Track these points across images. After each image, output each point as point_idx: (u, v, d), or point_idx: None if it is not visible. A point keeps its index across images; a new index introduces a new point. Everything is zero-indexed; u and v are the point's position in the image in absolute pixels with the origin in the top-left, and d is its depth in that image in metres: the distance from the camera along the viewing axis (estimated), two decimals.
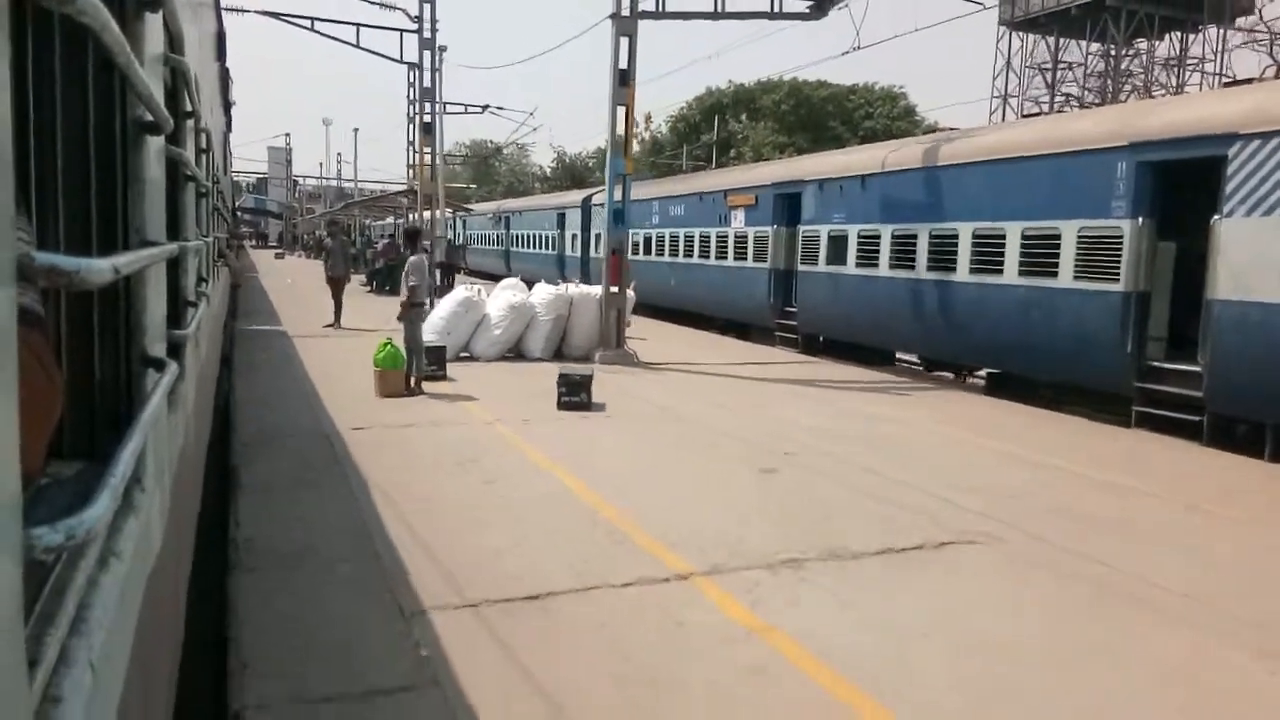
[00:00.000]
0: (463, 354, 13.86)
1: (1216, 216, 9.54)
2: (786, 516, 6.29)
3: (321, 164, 76.94)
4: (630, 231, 26.34)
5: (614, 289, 14.58)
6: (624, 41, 14.36)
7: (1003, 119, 43.03)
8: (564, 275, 32.12)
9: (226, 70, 13.14)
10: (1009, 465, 8.21)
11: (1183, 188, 10.37)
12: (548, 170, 74.68)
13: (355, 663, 3.86)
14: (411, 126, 25.08)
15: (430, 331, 12.78)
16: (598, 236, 28.64)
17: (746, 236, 19.60)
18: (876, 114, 53.40)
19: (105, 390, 1.86)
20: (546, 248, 33.85)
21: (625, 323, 14.87)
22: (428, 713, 3.48)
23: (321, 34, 23.11)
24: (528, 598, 4.64)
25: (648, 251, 24.73)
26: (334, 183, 66.01)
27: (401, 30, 23.58)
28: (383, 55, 25.34)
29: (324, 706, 3.51)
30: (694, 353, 16.10)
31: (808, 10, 15.76)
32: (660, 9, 15.02)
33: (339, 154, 55.65)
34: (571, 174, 68.68)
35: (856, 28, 17.36)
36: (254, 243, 70.25)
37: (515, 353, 14.37)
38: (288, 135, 75.45)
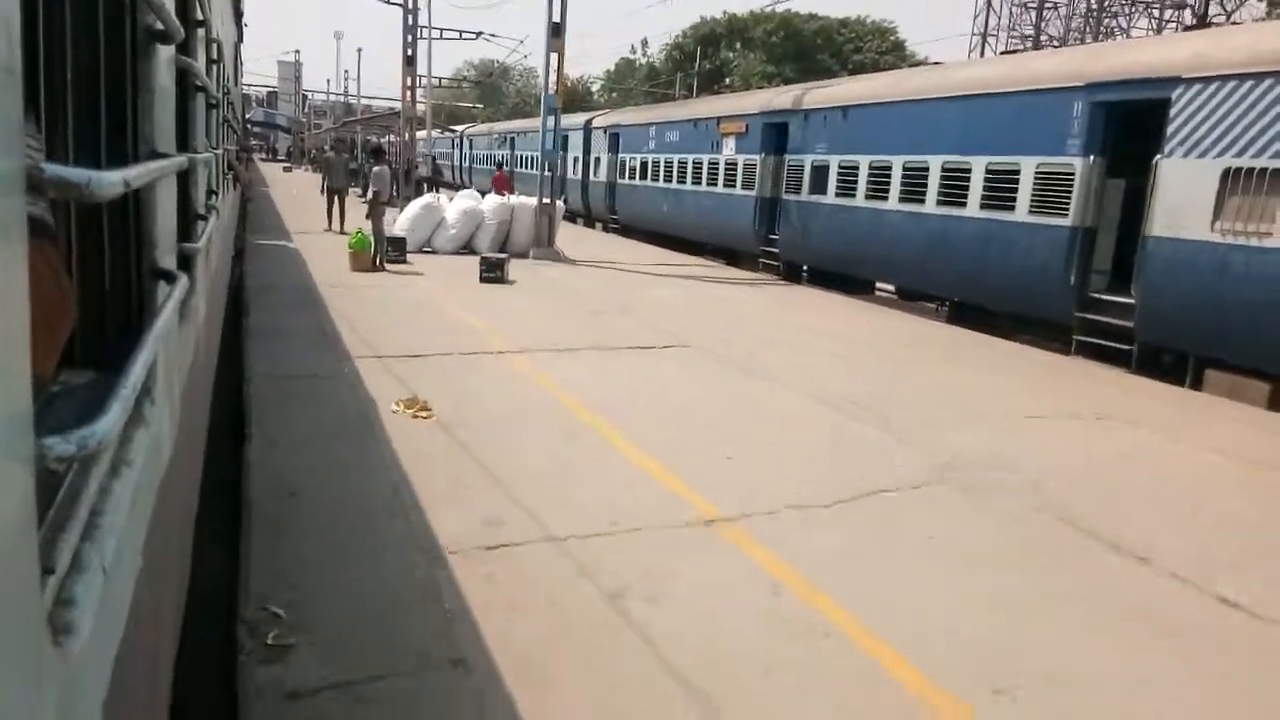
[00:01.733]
0: (425, 248, 17.28)
1: (1158, 157, 10.01)
2: (585, 335, 10.11)
3: (329, 81, 76.33)
4: (626, 157, 26.67)
5: (546, 200, 18.22)
6: (557, 1, 17.56)
7: (981, 56, 42.61)
8: (564, 200, 32.48)
9: None
10: (773, 320, 12.23)
11: (1133, 129, 10.78)
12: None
13: (313, 371, 7.58)
14: (414, 40, 25.75)
15: (400, 228, 16.80)
16: (597, 160, 28.90)
17: (736, 164, 19.95)
18: (866, 48, 53.21)
19: (116, 301, 1.88)
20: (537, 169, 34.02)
21: (556, 227, 18.35)
22: (345, 384, 7.28)
23: None
24: (412, 355, 8.44)
25: (643, 177, 25.05)
26: (342, 99, 65.70)
27: None
28: None
29: (292, 380, 7.22)
30: (623, 256, 19.23)
31: None
32: None
33: (346, 71, 55.45)
34: (572, 97, 69.04)
35: None
36: (264, 156, 70.19)
37: (468, 249, 17.52)
38: (297, 52, 75.18)
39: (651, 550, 4.46)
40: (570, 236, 21.27)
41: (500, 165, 33.90)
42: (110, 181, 1.06)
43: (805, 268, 18.01)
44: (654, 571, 4.20)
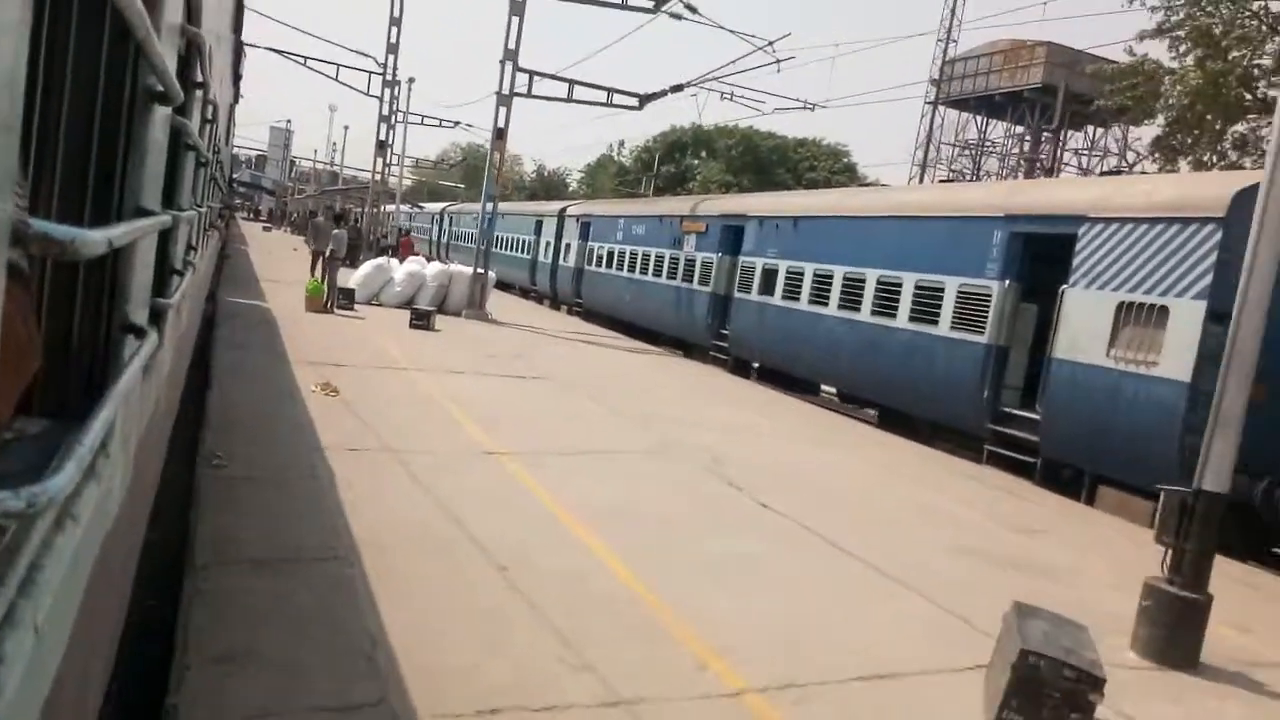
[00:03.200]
0: (374, 301, 19.79)
1: (1064, 286, 10.79)
2: (474, 365, 13.22)
3: (316, 151, 78.03)
4: (595, 245, 27.51)
5: (479, 270, 21.19)
6: (503, 110, 20.89)
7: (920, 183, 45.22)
8: (534, 281, 33.20)
9: (241, 43, 14.13)
10: (638, 374, 15.76)
11: (1045, 259, 11.62)
12: (527, 180, 78.03)
13: (260, 365, 10.37)
14: (389, 133, 29.85)
15: (353, 281, 19.51)
16: (567, 246, 29.76)
17: (695, 260, 20.79)
18: (820, 167, 56.48)
19: (83, 351, 1.84)
20: (522, 251, 34.87)
21: (486, 293, 21.23)
22: (283, 374, 10.01)
23: (312, 69, 30.02)
24: (336, 365, 11.08)
25: (609, 265, 25.85)
26: (328, 167, 67.08)
27: (370, 72, 30.49)
28: (356, 89, 31.87)
29: (245, 369, 9.95)
30: (549, 324, 22.52)
31: (636, 103, 22.99)
32: (529, 92, 21.91)
33: (334, 143, 57.16)
34: (548, 187, 72.12)
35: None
36: (246, 215, 70.89)
37: (411, 305, 19.35)
38: (289, 121, 77.28)
39: (446, 462, 7.37)
40: (519, 309, 24.81)
41: (405, 232, 35.57)
42: (93, 240, 1.04)
43: (755, 365, 18.62)
44: (442, 468, 7.12)
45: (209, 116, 4.64)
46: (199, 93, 3.35)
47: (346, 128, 62.92)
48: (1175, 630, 5.27)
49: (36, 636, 1.05)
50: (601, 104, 23.21)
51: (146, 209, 1.95)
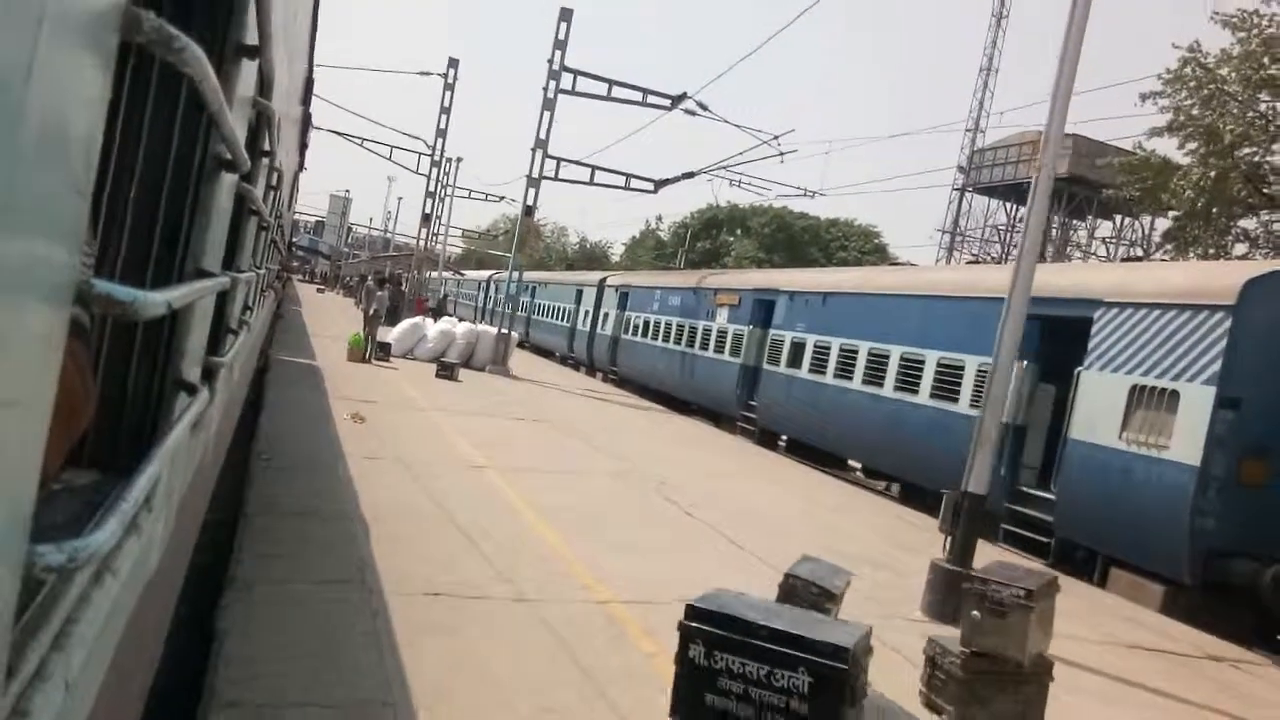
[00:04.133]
0: (408, 355, 21.74)
1: (1079, 368, 10.93)
2: (485, 409, 15.05)
3: (372, 219, 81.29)
4: (631, 314, 28.06)
5: (503, 330, 23.66)
6: (531, 191, 23.56)
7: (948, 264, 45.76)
8: (572, 348, 33.79)
9: (309, 115, 15.09)
10: (643, 430, 17.13)
11: (1062, 341, 11.77)
12: (570, 251, 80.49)
13: (304, 399, 12.36)
14: (434, 204, 34.35)
15: (391, 337, 21.68)
16: (605, 315, 30.38)
17: (726, 332, 21.16)
18: (851, 246, 57.26)
19: (135, 406, 1.86)
20: (562, 320, 35.57)
21: (509, 352, 23.30)
22: (321, 406, 12.03)
23: (368, 150, 33.39)
24: (366, 401, 13.05)
25: (644, 335, 26.33)
26: (383, 234, 69.40)
27: (419, 154, 34.22)
28: (407, 169, 36.32)
29: (291, 401, 11.76)
30: (565, 381, 24.44)
31: (652, 188, 25.45)
32: (555, 176, 24.19)
33: (389, 211, 60.61)
34: (590, 258, 74.19)
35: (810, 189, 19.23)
36: (302, 277, 73.22)
37: (440, 359, 21.35)
38: (347, 191, 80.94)
39: (441, 471, 9.20)
40: (546, 369, 27.15)
41: (420, 296, 37.29)
42: (154, 302, 1.07)
43: (784, 439, 18.75)
44: (437, 474, 9.00)
45: (273, 183, 4.75)
46: (265, 161, 3.42)
47: (400, 199, 66.77)
48: (947, 595, 6.74)
49: (67, 691, 1.04)
50: (620, 188, 25.68)
51: (207, 271, 1.97)
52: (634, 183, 25.31)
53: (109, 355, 1.80)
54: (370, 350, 19.44)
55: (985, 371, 12.54)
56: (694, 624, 3.39)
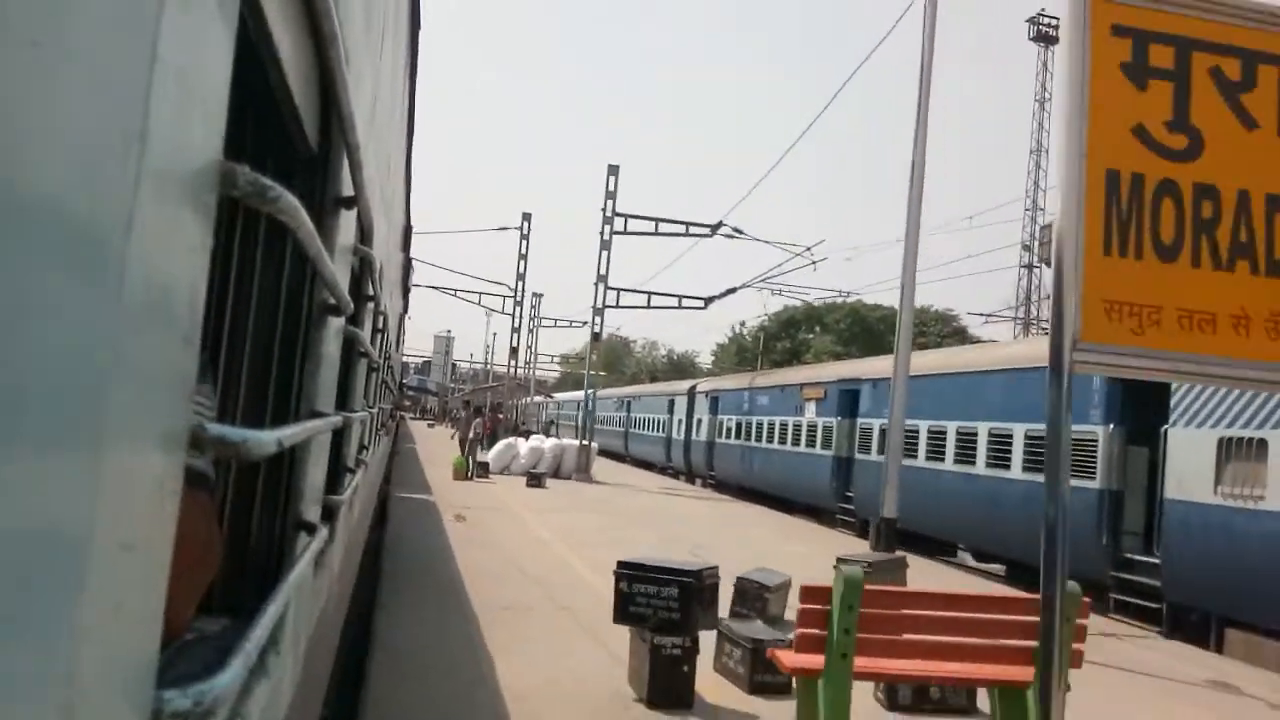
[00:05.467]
0: (505, 471, 24.22)
1: (1165, 426, 10.76)
2: (566, 507, 17.33)
3: (472, 354, 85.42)
4: (724, 418, 28.40)
5: (584, 442, 26.11)
6: (598, 319, 27.29)
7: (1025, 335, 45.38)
8: (669, 457, 34.19)
9: (409, 259, 16.43)
10: (704, 519, 18.16)
11: (1147, 402, 11.61)
12: (659, 365, 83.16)
13: (417, 511, 14.80)
14: (519, 337, 38.01)
15: (489, 456, 24.47)
16: (699, 421, 30.82)
17: (815, 426, 21.28)
18: (930, 331, 56.71)
19: (258, 549, 1.91)
20: (657, 430, 36.14)
21: (591, 460, 25.77)
22: (433, 512, 14.62)
23: (460, 299, 38.92)
24: (468, 507, 15.12)
25: (737, 436, 26.59)
26: (483, 366, 72.53)
27: (503, 296, 38.56)
28: (494, 311, 40.21)
29: (409, 511, 14.52)
30: (638, 483, 26.32)
31: (703, 304, 27.99)
32: (618, 304, 27.64)
33: (487, 345, 64.20)
34: (679, 368, 76.36)
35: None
36: (413, 415, 76.56)
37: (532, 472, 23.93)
38: (449, 331, 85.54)
39: (520, 547, 11.59)
40: (629, 475, 29.40)
41: (480, 411, 39.30)
42: (265, 441, 1.12)
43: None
44: (516, 549, 11.34)
45: (379, 326, 4.82)
46: (370, 304, 3.50)
47: (495, 334, 70.47)
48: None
49: None
50: (674, 308, 28.95)
51: (320, 411, 2.02)
52: (685, 301, 28.35)
53: (233, 501, 1.88)
54: (471, 469, 22.07)
55: (1074, 439, 12.34)
56: (621, 570, 5.81)
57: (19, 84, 0.45)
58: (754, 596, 7.11)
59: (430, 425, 62.59)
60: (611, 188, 26.05)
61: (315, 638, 2.65)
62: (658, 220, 26.58)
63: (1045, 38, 52.12)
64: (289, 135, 1.71)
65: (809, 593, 4.68)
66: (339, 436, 2.85)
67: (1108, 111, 3.16)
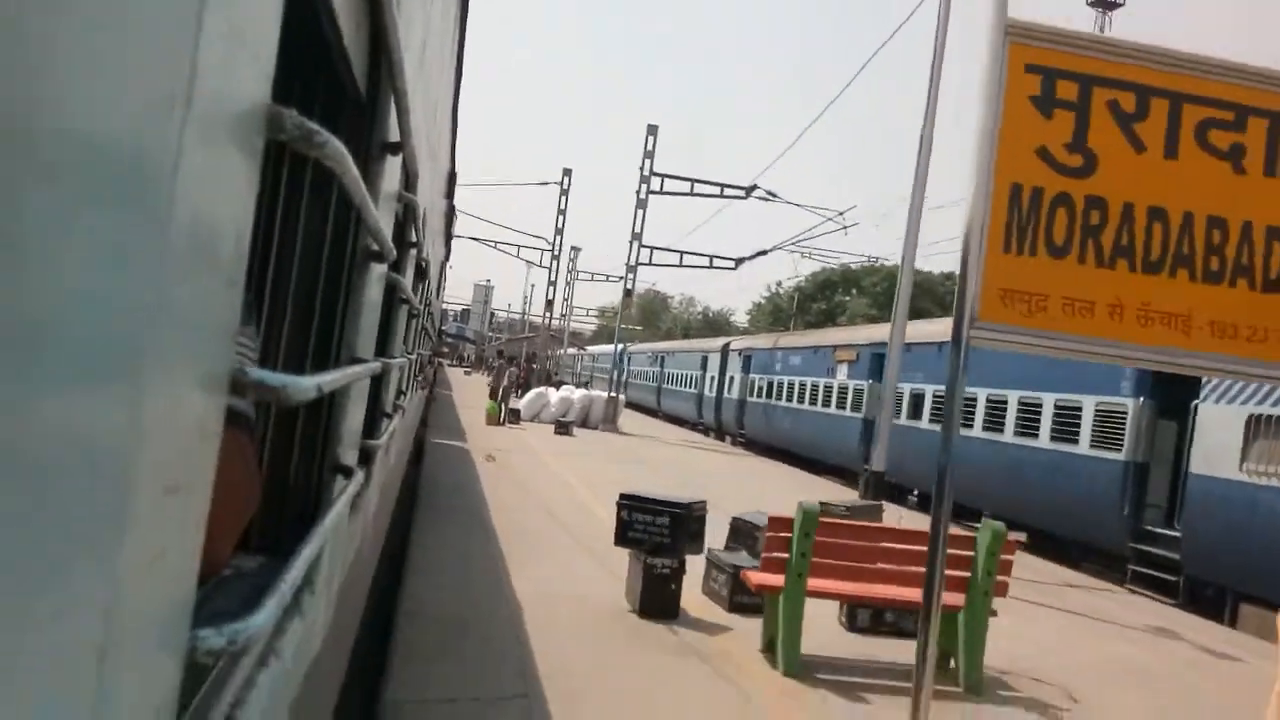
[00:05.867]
0: (535, 419, 25.25)
1: (1195, 401, 10.68)
2: (588, 453, 18.41)
3: (510, 304, 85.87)
4: (755, 377, 28.47)
5: (612, 394, 28.00)
6: (631, 276, 28.84)
7: None
8: (701, 414, 34.37)
9: (452, 207, 16.53)
10: (723, 466, 20.25)
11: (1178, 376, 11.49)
12: (694, 322, 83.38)
13: (454, 454, 15.53)
14: (554, 293, 38.76)
15: (521, 404, 25.78)
16: (730, 379, 30.93)
17: (847, 388, 21.29)
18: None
19: (296, 491, 1.94)
20: (689, 386, 36.30)
21: (618, 412, 27.03)
22: (464, 453, 15.78)
23: (500, 251, 39.58)
24: (498, 449, 16.40)
25: (767, 395, 26.66)
26: (520, 316, 73.09)
27: (541, 250, 40.03)
28: (532, 263, 41.78)
29: (443, 450, 15.57)
30: (663, 435, 27.68)
31: (733, 265, 28.79)
32: (650, 262, 29.15)
33: (525, 296, 64.43)
34: (714, 326, 76.40)
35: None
36: (451, 362, 77.62)
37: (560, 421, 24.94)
38: (488, 280, 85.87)
39: (545, 488, 12.62)
40: (654, 427, 30.90)
41: (514, 361, 40.78)
42: (304, 387, 1.12)
43: (914, 494, 18.48)
44: (541, 489, 12.43)
45: (421, 273, 4.85)
46: (413, 251, 3.49)
47: (533, 285, 70.97)
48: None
49: None
50: (705, 267, 30.04)
51: (360, 358, 2.02)
52: (716, 262, 29.49)
53: (273, 444, 1.92)
54: (503, 415, 23.49)
55: (1104, 411, 12.37)
56: (623, 501, 6.73)
57: (67, 27, 0.45)
58: (746, 534, 7.92)
59: (467, 373, 63.47)
60: (650, 147, 26.75)
61: (349, 579, 2.67)
62: (693, 181, 27.11)
63: (1104, 3, 50.15)
64: (338, 80, 1.69)
65: (774, 522, 5.67)
66: (377, 382, 2.85)
67: (1015, 135, 3.84)
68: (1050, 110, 3.88)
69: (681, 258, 29.56)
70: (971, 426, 15.63)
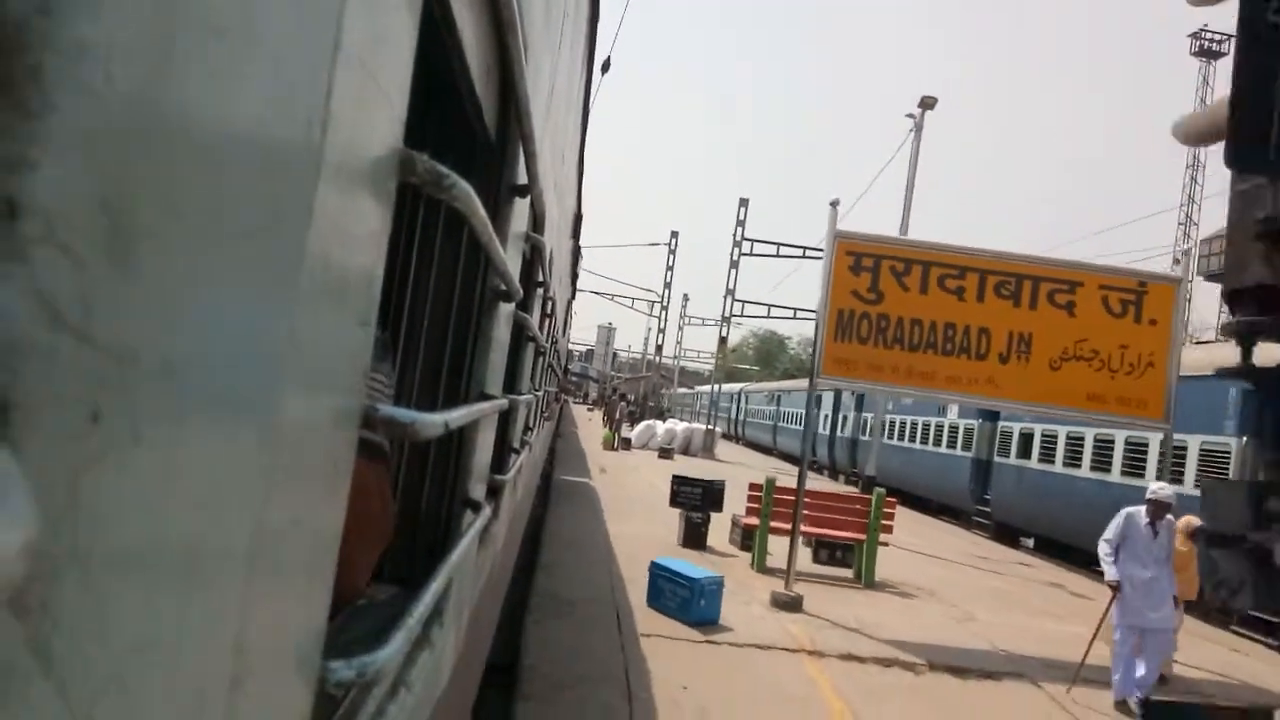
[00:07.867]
0: (644, 446, 29.98)
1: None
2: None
3: (630, 345, 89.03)
4: (866, 415, 28.49)
5: (709, 427, 33.52)
6: (725, 326, 35.10)
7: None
8: (814, 451, 34.37)
9: (578, 247, 16.99)
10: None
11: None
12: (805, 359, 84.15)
13: (577, 468, 20.96)
14: (663, 339, 44.10)
15: (632, 434, 30.60)
16: (844, 418, 30.98)
17: (958, 427, 21.23)
18: None
19: (427, 524, 2.01)
20: (801, 424, 36.26)
21: (714, 441, 31.96)
22: (587, 468, 21.78)
23: (616, 303, 45.33)
24: (611, 467, 22.67)
25: (879, 434, 26.63)
26: (640, 356, 75.27)
27: (651, 302, 45.53)
28: (638, 310, 46.52)
29: (567, 469, 20.32)
30: (750, 461, 31.72)
31: (815, 315, 29.56)
32: (743, 314, 35.60)
33: (645, 337, 67.92)
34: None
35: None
36: (576, 400, 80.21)
37: (664, 448, 29.35)
38: (610, 322, 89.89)
39: (637, 491, 17.25)
40: (747, 457, 34.79)
41: (625, 398, 43.40)
42: (432, 423, 1.11)
43: (1031, 536, 17.69)
44: (634, 491, 17.31)
45: (548, 311, 4.85)
46: (539, 290, 3.52)
47: (650, 329, 74.33)
48: None
49: None
50: (790, 318, 35.34)
51: (488, 394, 2.04)
52: (799, 313, 34.28)
53: (405, 477, 1.97)
54: (616, 442, 28.50)
55: (1208, 450, 12.22)
56: (675, 480, 11.94)
57: (205, 72, 0.46)
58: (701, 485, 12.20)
59: (589, 410, 65.56)
60: (741, 216, 32.07)
61: (478, 611, 2.68)
62: (779, 244, 32.22)
63: (1207, 53, 48.19)
64: (469, 124, 1.74)
65: (753, 488, 10.69)
66: (505, 418, 2.87)
67: (841, 284, 8.46)
68: (859, 271, 8.41)
69: (769, 310, 34.90)
70: (1079, 466, 15.53)
